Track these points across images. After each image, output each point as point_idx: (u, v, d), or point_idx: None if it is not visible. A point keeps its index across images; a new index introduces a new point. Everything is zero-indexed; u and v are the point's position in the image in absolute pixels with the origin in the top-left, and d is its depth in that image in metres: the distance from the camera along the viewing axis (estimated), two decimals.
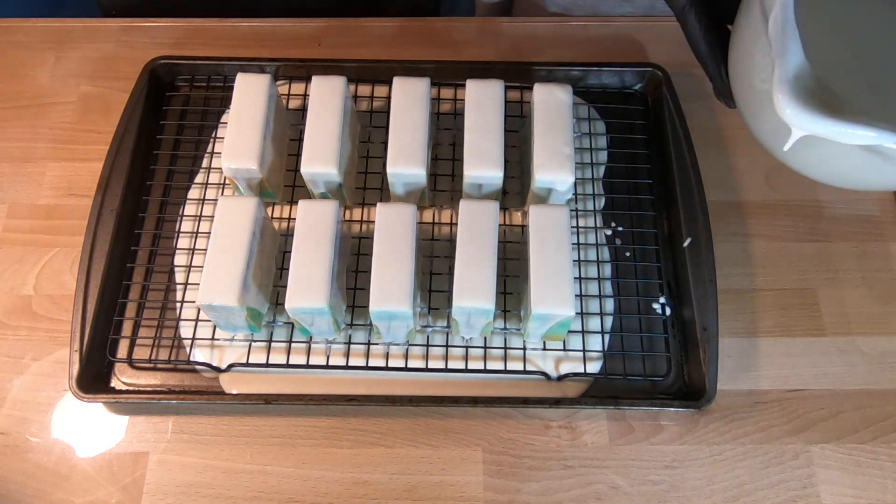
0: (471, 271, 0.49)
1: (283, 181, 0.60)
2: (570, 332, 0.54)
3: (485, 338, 0.55)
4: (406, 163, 0.53)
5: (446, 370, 0.54)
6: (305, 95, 0.64)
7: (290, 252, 0.50)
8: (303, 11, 0.70)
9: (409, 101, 0.56)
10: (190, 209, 0.60)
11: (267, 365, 0.54)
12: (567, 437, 0.52)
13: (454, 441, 0.52)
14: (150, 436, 0.52)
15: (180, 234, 0.59)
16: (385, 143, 0.55)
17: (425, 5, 0.87)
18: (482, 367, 0.54)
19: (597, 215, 0.60)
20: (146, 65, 0.63)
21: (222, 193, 0.60)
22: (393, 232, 0.50)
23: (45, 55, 0.69)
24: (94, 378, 0.53)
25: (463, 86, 0.59)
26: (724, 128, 0.65)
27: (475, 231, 0.50)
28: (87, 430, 0.53)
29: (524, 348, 0.55)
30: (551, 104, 0.57)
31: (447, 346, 0.55)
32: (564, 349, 0.55)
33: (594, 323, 0.56)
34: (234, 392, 0.53)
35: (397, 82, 0.57)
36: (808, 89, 0.34)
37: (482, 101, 0.56)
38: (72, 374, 0.51)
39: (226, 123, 0.56)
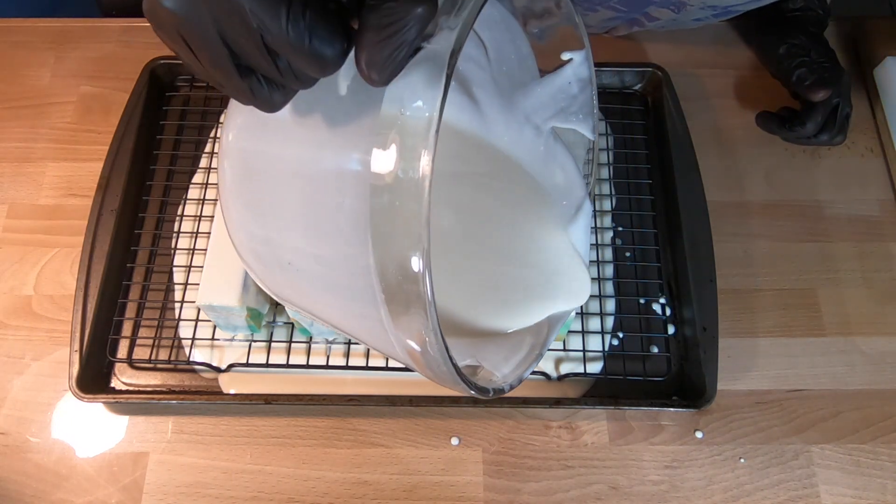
0: None
1: None
2: (570, 332, 0.54)
3: None
4: None
5: None
6: None
7: None
8: None
9: None
10: (190, 209, 0.60)
11: (267, 365, 0.54)
12: (567, 437, 0.52)
13: (454, 441, 0.52)
14: (150, 436, 0.52)
15: (180, 234, 0.59)
16: None
17: None
18: None
19: (596, 215, 0.60)
20: (146, 65, 0.63)
21: None
22: None
23: (45, 55, 0.69)
24: (94, 378, 0.53)
25: None
26: (725, 128, 0.65)
27: None
28: (87, 430, 0.53)
29: None
30: None
31: None
32: (564, 349, 0.55)
33: (594, 323, 0.56)
34: (234, 392, 0.53)
35: None
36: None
37: None
38: (72, 374, 0.51)
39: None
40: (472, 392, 0.32)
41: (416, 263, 0.26)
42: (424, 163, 0.25)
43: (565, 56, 0.42)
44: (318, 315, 0.34)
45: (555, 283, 0.44)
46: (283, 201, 0.31)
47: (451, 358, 0.29)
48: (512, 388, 0.38)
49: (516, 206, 0.45)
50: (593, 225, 0.43)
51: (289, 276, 0.33)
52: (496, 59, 0.43)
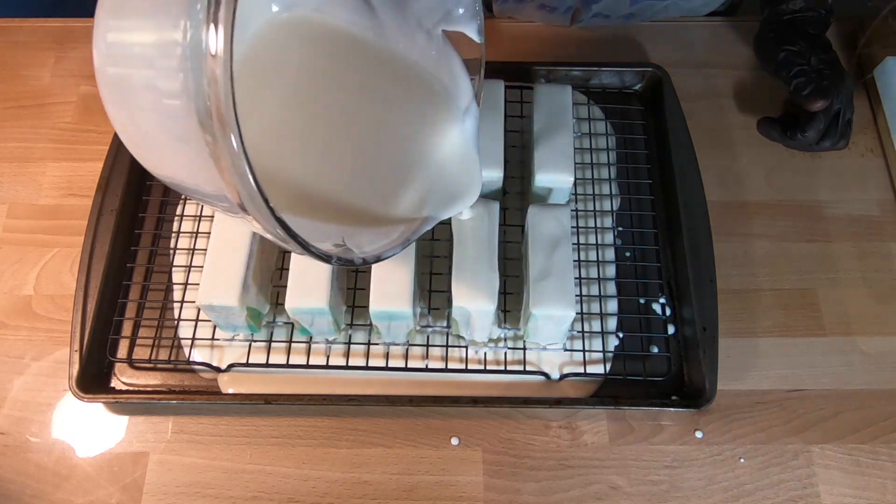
0: (471, 271, 0.49)
1: None
2: (571, 332, 0.54)
3: None
4: None
5: (446, 370, 0.54)
6: None
7: (290, 252, 0.50)
8: None
9: None
10: (190, 209, 0.60)
11: (267, 365, 0.54)
12: (567, 437, 0.52)
13: (454, 441, 0.52)
14: (150, 436, 0.52)
15: (180, 234, 0.59)
16: None
17: None
18: (482, 368, 0.54)
19: (597, 215, 0.60)
20: None
21: None
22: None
23: (45, 55, 0.69)
24: (94, 378, 0.53)
25: None
26: (725, 127, 0.65)
27: (475, 231, 0.50)
28: (87, 430, 0.53)
29: (524, 348, 0.55)
30: (551, 104, 0.57)
31: (447, 346, 0.55)
32: (565, 349, 0.55)
33: (595, 323, 0.56)
34: (234, 392, 0.53)
35: None
36: None
37: (483, 101, 0.56)
38: (72, 374, 0.51)
39: None
40: (303, 248, 0.34)
41: (221, 112, 0.28)
42: (222, 33, 0.27)
43: None
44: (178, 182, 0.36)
45: (447, 180, 0.46)
46: (133, 74, 0.33)
47: (267, 203, 0.31)
48: (365, 262, 0.39)
49: (411, 109, 0.47)
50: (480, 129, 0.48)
51: (146, 143, 0.35)
52: None
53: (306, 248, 0.34)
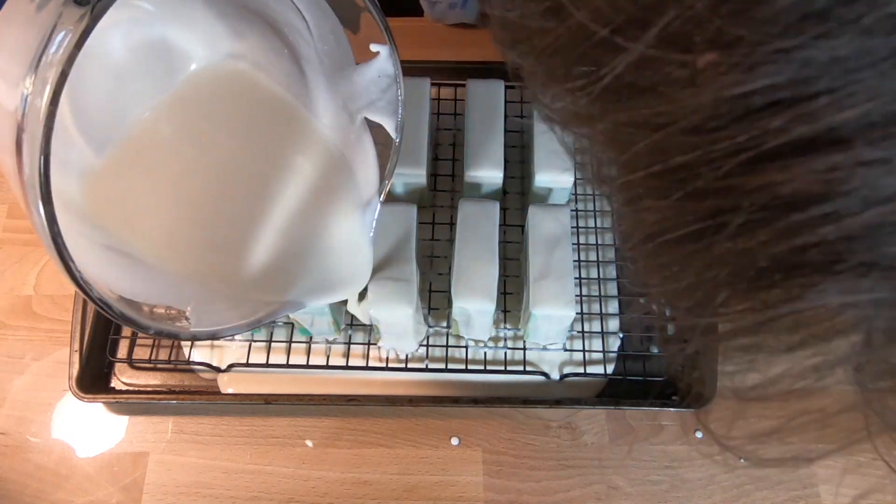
0: (471, 271, 0.49)
1: None
2: (570, 332, 0.54)
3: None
4: (407, 163, 0.53)
5: (446, 370, 0.54)
6: None
7: None
8: None
9: (409, 101, 0.56)
10: None
11: (267, 365, 0.54)
12: (567, 437, 0.52)
13: (454, 441, 0.52)
14: (150, 436, 0.52)
15: None
16: None
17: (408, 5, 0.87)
18: (482, 368, 0.54)
19: (597, 215, 0.60)
20: None
21: None
22: (393, 232, 0.50)
23: None
24: (94, 378, 0.53)
25: (463, 86, 0.59)
26: None
27: (475, 231, 0.50)
28: (87, 430, 0.53)
29: (524, 348, 0.55)
30: None
31: (447, 346, 0.55)
32: (565, 349, 0.55)
33: (595, 323, 0.56)
34: (234, 392, 0.53)
35: None
36: None
37: (482, 101, 0.56)
38: (72, 374, 0.51)
39: None
40: (107, 312, 0.33)
41: (35, 189, 0.28)
42: (48, 92, 0.27)
43: (373, 48, 0.42)
44: None
45: (329, 268, 0.45)
46: None
47: (71, 270, 0.30)
48: (195, 338, 0.38)
49: (313, 188, 0.46)
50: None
51: None
52: (318, 35, 0.43)
53: (110, 314, 0.33)
